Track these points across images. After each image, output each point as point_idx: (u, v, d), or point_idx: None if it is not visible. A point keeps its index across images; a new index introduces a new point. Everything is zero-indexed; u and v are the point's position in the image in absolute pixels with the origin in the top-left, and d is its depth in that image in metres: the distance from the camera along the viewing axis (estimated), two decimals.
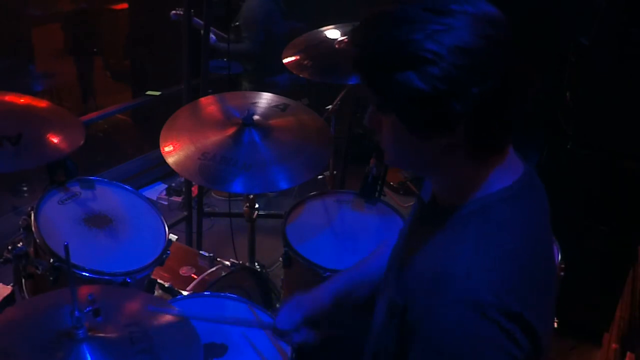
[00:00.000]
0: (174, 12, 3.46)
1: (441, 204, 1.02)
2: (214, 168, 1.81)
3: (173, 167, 1.83)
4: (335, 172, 3.08)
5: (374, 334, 1.11)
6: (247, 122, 1.93)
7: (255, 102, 2.10)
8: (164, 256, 1.75)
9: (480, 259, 0.90)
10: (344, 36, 2.39)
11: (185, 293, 1.90)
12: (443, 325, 0.88)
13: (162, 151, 1.87)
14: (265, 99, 2.13)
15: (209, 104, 2.15)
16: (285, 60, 2.28)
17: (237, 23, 3.83)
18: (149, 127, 2.59)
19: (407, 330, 0.94)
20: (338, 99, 2.87)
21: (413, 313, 0.93)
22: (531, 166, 1.02)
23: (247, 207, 2.27)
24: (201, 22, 3.08)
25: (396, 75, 0.85)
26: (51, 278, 1.59)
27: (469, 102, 0.84)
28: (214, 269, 2.05)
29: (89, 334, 1.20)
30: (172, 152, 1.86)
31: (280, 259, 1.96)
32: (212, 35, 3.49)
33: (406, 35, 0.84)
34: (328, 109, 2.86)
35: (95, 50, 4.79)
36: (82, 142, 1.77)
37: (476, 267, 0.89)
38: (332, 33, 2.44)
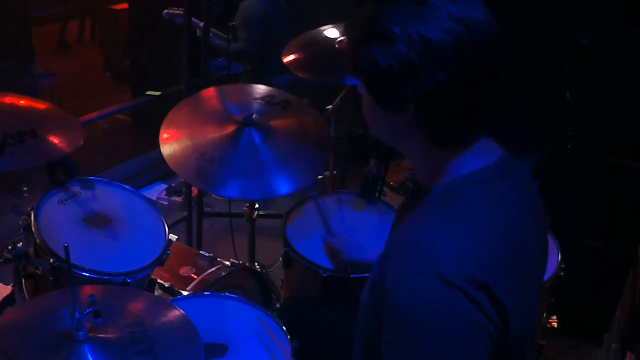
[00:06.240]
0: (166, 11, 3.38)
1: (421, 186, 1.06)
2: (211, 170, 1.81)
3: (171, 166, 1.82)
4: (335, 172, 3.08)
5: (362, 318, 1.12)
6: (247, 122, 1.92)
7: (257, 98, 2.08)
8: (164, 256, 1.74)
9: (446, 235, 0.92)
10: (343, 36, 2.38)
11: (185, 293, 1.89)
12: (409, 293, 0.89)
13: (160, 139, 1.86)
14: (267, 93, 2.11)
15: (210, 97, 2.12)
16: (285, 60, 2.27)
17: (234, 23, 3.81)
18: (149, 127, 2.59)
19: (381, 304, 0.95)
20: (338, 99, 2.86)
21: (385, 285, 0.95)
22: (508, 152, 1.06)
23: (247, 207, 2.27)
24: (199, 22, 3.05)
25: (362, 47, 0.94)
26: (51, 278, 1.58)
27: (418, 88, 0.90)
28: (214, 269, 2.05)
29: (90, 335, 1.20)
30: (168, 141, 1.85)
31: (280, 259, 1.96)
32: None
33: (378, 14, 0.92)
34: (328, 109, 2.86)
35: None
36: (81, 142, 1.77)
37: (441, 242, 0.91)
38: (331, 32, 2.44)
